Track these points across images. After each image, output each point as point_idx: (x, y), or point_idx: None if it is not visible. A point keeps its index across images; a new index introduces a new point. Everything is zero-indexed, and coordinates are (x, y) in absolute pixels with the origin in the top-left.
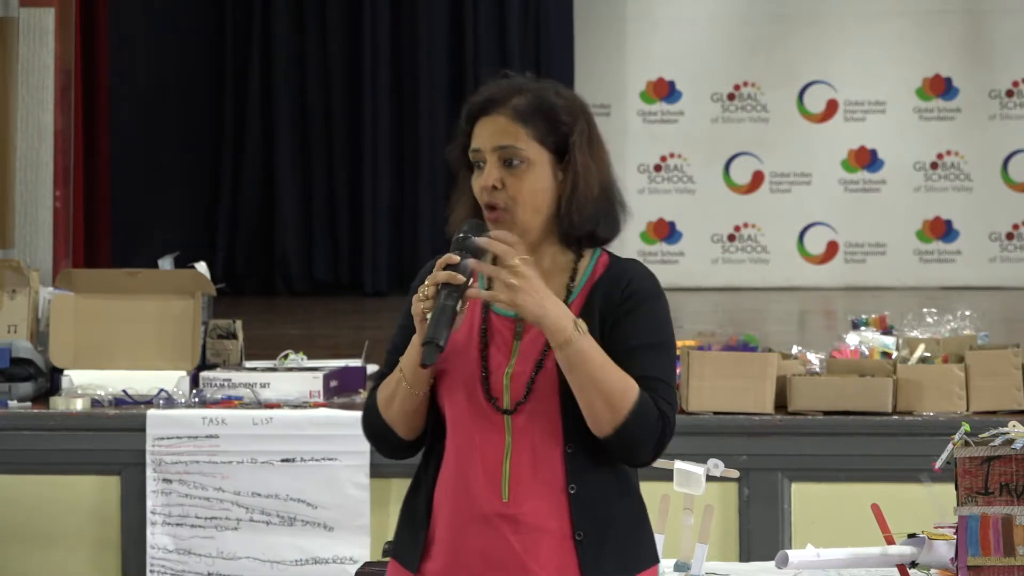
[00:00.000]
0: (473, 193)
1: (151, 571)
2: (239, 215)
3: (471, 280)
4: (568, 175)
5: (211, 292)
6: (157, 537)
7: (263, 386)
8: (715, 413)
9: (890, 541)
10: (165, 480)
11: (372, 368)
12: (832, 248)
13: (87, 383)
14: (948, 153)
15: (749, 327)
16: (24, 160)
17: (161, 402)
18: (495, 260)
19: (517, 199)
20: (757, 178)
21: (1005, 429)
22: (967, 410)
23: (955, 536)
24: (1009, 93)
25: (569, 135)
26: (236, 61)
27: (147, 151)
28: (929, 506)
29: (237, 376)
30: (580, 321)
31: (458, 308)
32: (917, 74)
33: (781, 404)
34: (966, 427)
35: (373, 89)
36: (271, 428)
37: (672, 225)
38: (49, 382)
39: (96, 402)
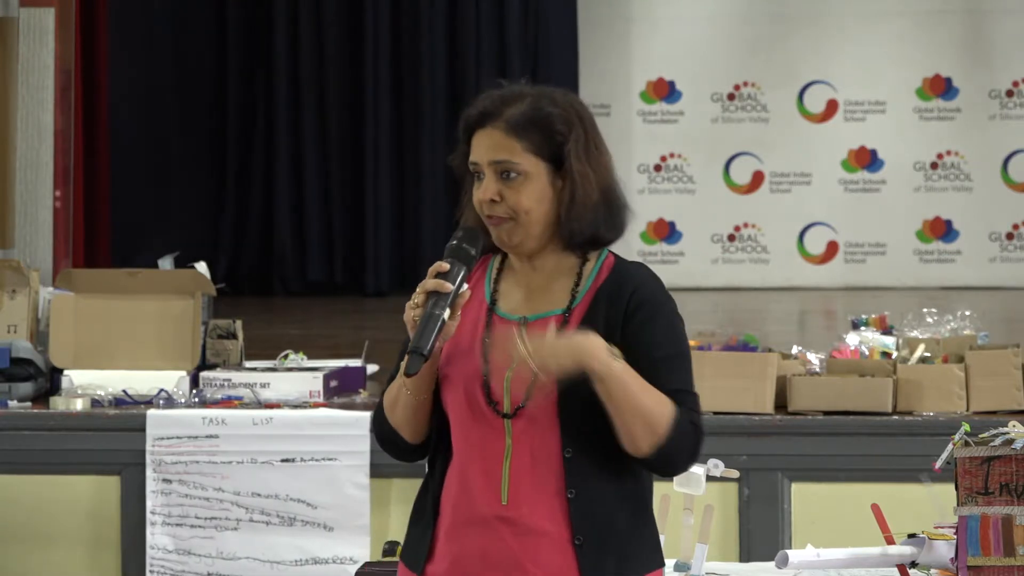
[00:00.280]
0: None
1: (151, 571)
2: (239, 215)
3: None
4: (566, 183)
5: (211, 292)
6: (157, 537)
7: (263, 386)
8: (715, 413)
9: (890, 541)
10: (165, 480)
11: (372, 368)
12: (832, 248)
13: (87, 383)
14: (948, 153)
15: (749, 327)
16: (24, 160)
17: (161, 402)
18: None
19: (517, 210)
20: (757, 178)
21: (1005, 429)
22: (967, 410)
23: (955, 536)
24: (1009, 93)
25: (564, 144)
26: (237, 61)
27: (147, 151)
28: (929, 506)
29: (237, 376)
30: (614, 349)
31: (447, 317)
32: (917, 74)
33: (781, 404)
34: (966, 427)
35: (375, 89)
36: (271, 428)
37: (672, 225)
38: (49, 382)
39: (96, 402)
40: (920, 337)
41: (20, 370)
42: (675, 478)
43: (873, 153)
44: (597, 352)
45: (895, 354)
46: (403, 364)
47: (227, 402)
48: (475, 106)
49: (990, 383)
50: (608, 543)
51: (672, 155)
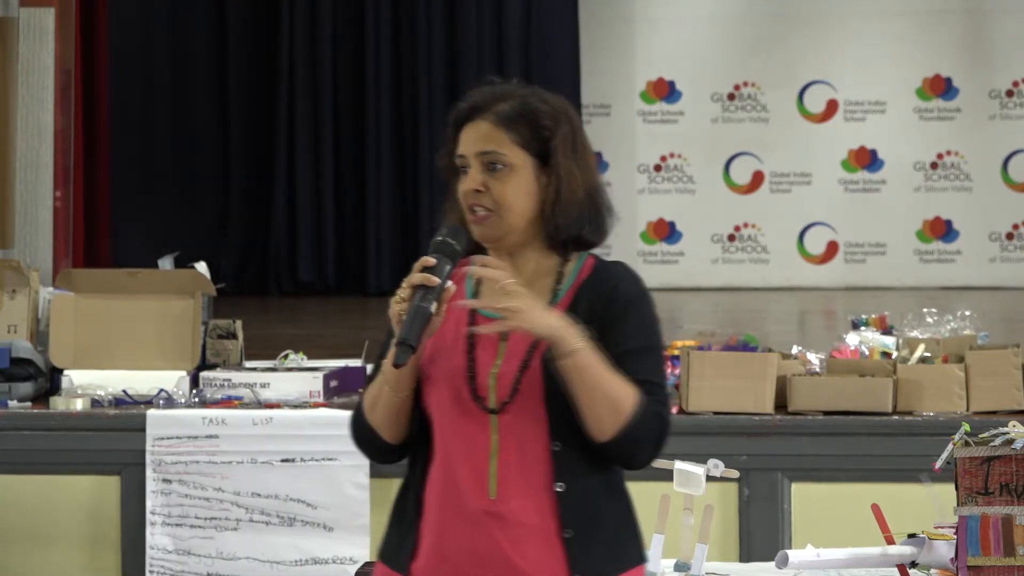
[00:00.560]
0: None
1: (150, 571)
2: (239, 214)
3: (447, 283)
4: (552, 179)
5: (211, 292)
6: (157, 537)
7: (263, 386)
8: (715, 413)
9: (890, 541)
10: (165, 480)
11: (372, 368)
12: (832, 248)
13: (87, 383)
14: (948, 153)
15: (749, 327)
16: (24, 160)
17: (161, 402)
18: (478, 284)
19: (500, 202)
20: (757, 178)
21: (1005, 429)
22: (967, 410)
23: (955, 536)
24: (1009, 93)
25: (551, 139)
26: (237, 61)
27: (147, 151)
28: (929, 506)
29: (237, 376)
30: (580, 329)
31: (433, 311)
32: (917, 74)
33: (781, 404)
34: (966, 427)
35: (375, 89)
36: (271, 428)
37: (672, 225)
38: (49, 382)
39: (96, 402)
40: (920, 337)
41: (20, 370)
42: (675, 478)
43: (873, 153)
44: (565, 331)
45: (895, 354)
46: (385, 361)
47: (227, 402)
48: (465, 101)
49: (990, 383)
50: (596, 537)
51: (672, 155)
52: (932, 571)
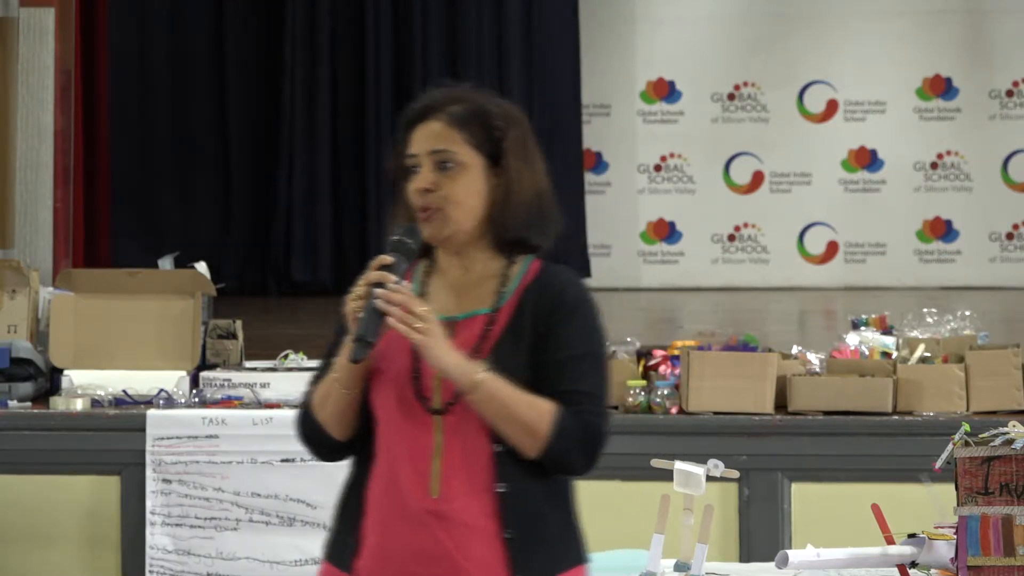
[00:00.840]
0: (406, 199)
1: (150, 571)
2: (239, 214)
3: (403, 281)
4: (501, 180)
5: (211, 292)
6: (156, 537)
7: (263, 386)
8: (715, 413)
9: (890, 541)
10: (165, 480)
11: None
12: (832, 248)
13: (87, 383)
14: (948, 153)
15: (749, 327)
16: (24, 160)
17: (161, 402)
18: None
19: (450, 200)
20: (757, 178)
21: (1005, 429)
22: (967, 410)
23: (955, 536)
24: (1009, 93)
25: (503, 140)
26: (237, 62)
27: (147, 151)
28: (929, 506)
29: (237, 376)
30: (480, 363)
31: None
32: (917, 74)
33: (781, 404)
34: (966, 427)
35: (375, 89)
36: (271, 428)
37: (672, 225)
38: (49, 382)
39: (96, 402)
40: (920, 337)
41: (20, 370)
42: (675, 478)
43: (873, 153)
44: (462, 368)
45: (895, 354)
46: (338, 359)
47: (227, 402)
48: (418, 102)
49: (990, 383)
50: (537, 538)
51: (672, 155)
52: (932, 571)
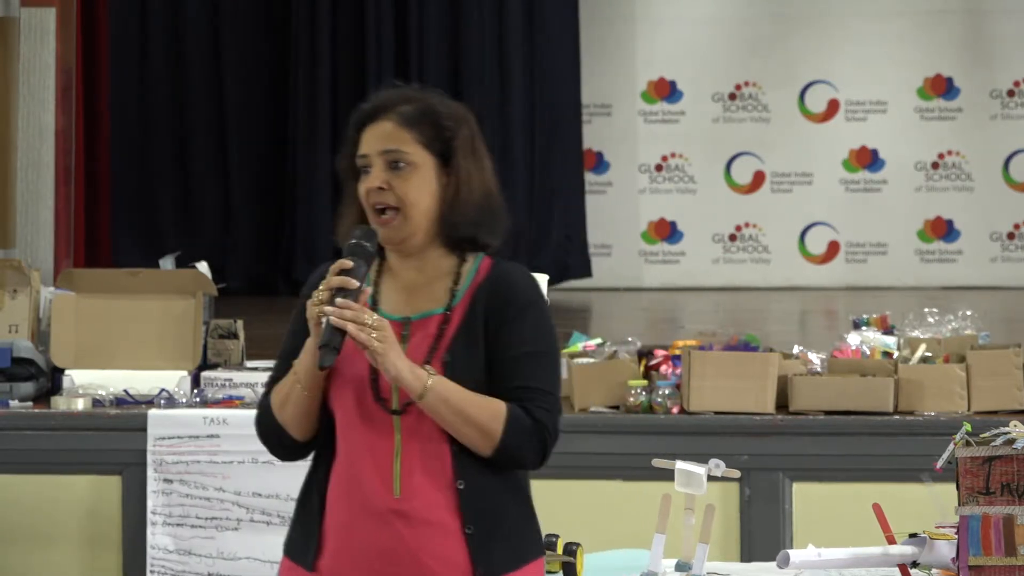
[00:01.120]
0: (355, 200)
1: (151, 571)
2: (241, 214)
3: (364, 285)
4: (452, 179)
5: (212, 292)
6: (158, 537)
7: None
8: (716, 413)
9: (891, 541)
10: (166, 480)
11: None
12: (833, 248)
13: (88, 383)
14: (949, 153)
15: (750, 327)
16: (25, 160)
17: (162, 402)
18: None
19: (404, 200)
20: (758, 178)
21: (1006, 429)
22: (968, 410)
23: (956, 536)
24: (1010, 93)
25: (453, 140)
26: (238, 60)
27: (148, 151)
28: (930, 506)
29: (238, 376)
30: (429, 367)
31: None
32: (918, 74)
33: (782, 404)
34: (967, 427)
35: (377, 88)
36: None
37: (673, 225)
38: (50, 382)
39: (97, 402)
40: (921, 337)
41: (21, 370)
42: (676, 478)
43: (874, 153)
44: (412, 374)
45: (896, 354)
46: (299, 361)
47: (228, 402)
48: (368, 102)
49: (991, 383)
50: (497, 532)
51: (673, 155)
52: (933, 571)
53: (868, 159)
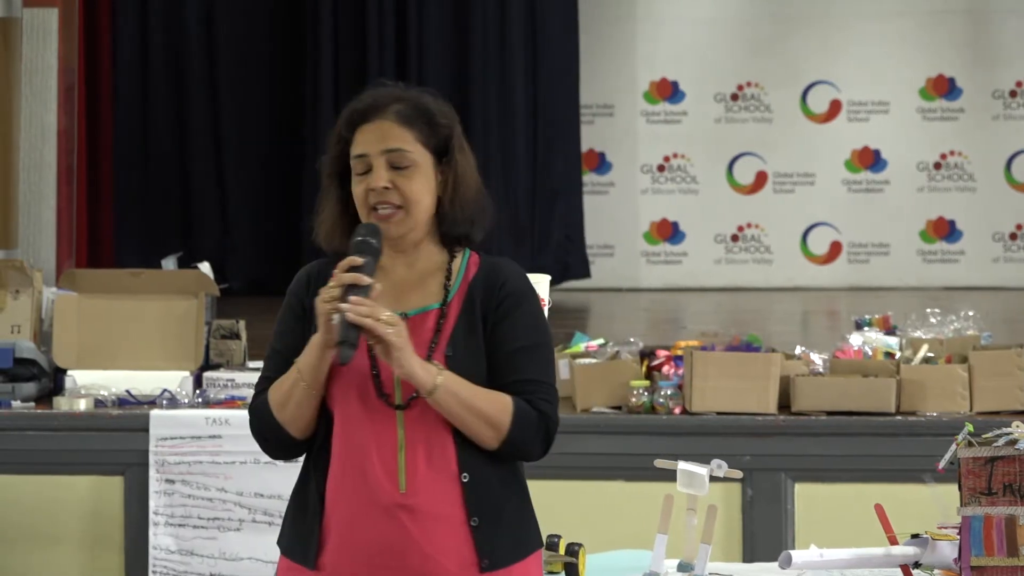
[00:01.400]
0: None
1: (153, 571)
2: (242, 215)
3: (374, 283)
4: (448, 175)
5: (214, 292)
6: (160, 538)
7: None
8: (718, 413)
9: (893, 541)
10: (168, 480)
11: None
12: (835, 248)
13: (90, 383)
14: (951, 153)
15: (752, 327)
16: (27, 160)
17: (164, 402)
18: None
19: (409, 198)
20: (760, 178)
21: (1008, 429)
22: (970, 410)
23: (958, 536)
24: (1012, 93)
25: (449, 137)
26: (240, 60)
27: (150, 151)
28: (932, 506)
29: (240, 376)
30: (437, 363)
31: None
32: (920, 74)
33: (784, 404)
34: (969, 427)
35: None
36: None
37: (675, 225)
38: (52, 382)
39: (99, 402)
40: (923, 337)
41: (24, 370)
42: (679, 479)
43: (876, 153)
44: (423, 371)
45: (898, 354)
46: (303, 359)
47: (230, 402)
48: (361, 101)
49: (993, 383)
50: (500, 524)
51: (675, 155)
52: (935, 571)
53: (870, 159)
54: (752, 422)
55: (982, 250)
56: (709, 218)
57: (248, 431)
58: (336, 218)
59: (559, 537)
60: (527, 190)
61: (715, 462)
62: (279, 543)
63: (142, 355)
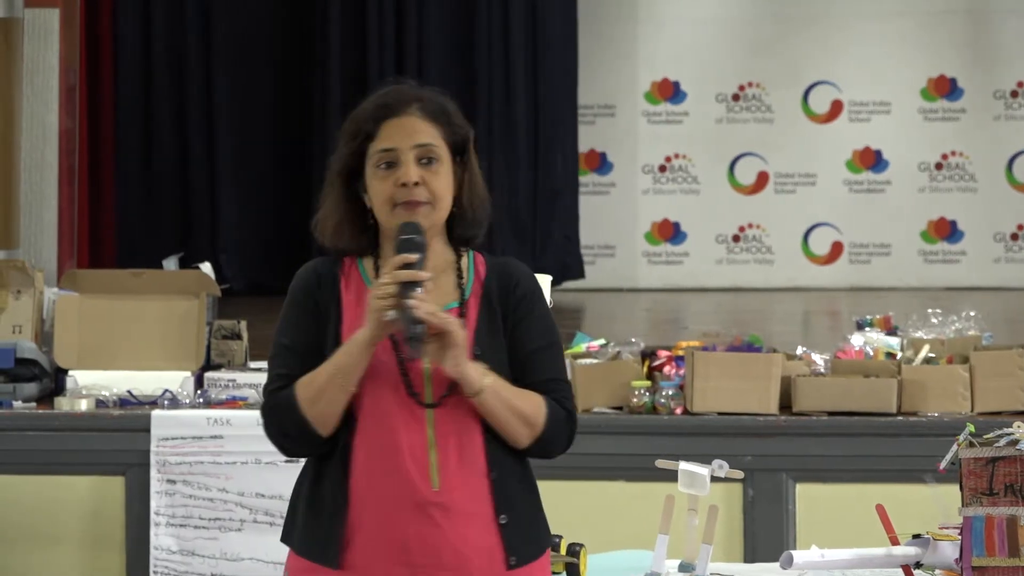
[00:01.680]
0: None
1: (154, 572)
2: (243, 215)
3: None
4: (464, 175)
5: (215, 292)
6: (161, 538)
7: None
8: (719, 414)
9: (894, 542)
10: (169, 481)
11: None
12: (837, 249)
13: (91, 383)
14: (953, 154)
15: (753, 328)
16: (29, 160)
17: (165, 403)
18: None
19: (436, 195)
20: (762, 179)
21: (1010, 430)
22: (972, 411)
23: (959, 537)
24: (1014, 94)
25: (467, 136)
26: (241, 60)
27: (152, 151)
28: (933, 507)
29: (242, 376)
30: (482, 365)
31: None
32: (922, 74)
33: (785, 405)
34: (971, 428)
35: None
36: None
37: (677, 226)
38: (54, 382)
39: (100, 402)
40: (925, 338)
41: (25, 370)
42: (679, 479)
43: (878, 154)
44: (474, 372)
45: (900, 355)
46: (341, 354)
47: (232, 402)
48: (384, 97)
49: (995, 384)
50: (522, 521)
51: (677, 156)
52: (936, 572)
53: (871, 160)
54: (753, 422)
55: (983, 250)
56: (710, 218)
57: (248, 431)
58: (344, 215)
59: (560, 537)
60: (528, 190)
61: (716, 462)
62: (289, 544)
63: (143, 355)
